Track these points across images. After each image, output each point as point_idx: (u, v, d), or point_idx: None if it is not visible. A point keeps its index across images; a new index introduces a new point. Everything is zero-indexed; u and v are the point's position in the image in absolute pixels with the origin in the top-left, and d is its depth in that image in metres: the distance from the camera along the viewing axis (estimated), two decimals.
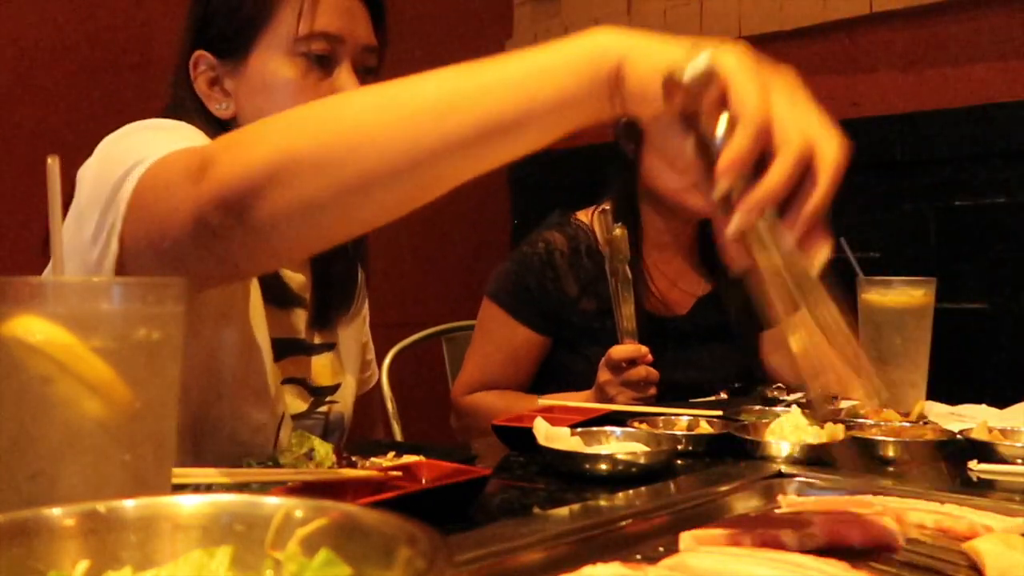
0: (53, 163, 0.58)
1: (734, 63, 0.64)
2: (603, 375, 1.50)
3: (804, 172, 0.64)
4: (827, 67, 2.52)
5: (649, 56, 0.67)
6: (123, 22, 2.26)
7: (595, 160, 2.97)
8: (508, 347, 1.76)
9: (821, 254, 0.65)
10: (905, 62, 2.39)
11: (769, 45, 2.61)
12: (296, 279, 1.19)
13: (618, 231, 1.48)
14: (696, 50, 0.65)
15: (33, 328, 0.52)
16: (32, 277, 0.53)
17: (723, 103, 0.64)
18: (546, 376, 1.78)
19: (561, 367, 1.76)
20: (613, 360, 1.48)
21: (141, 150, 0.87)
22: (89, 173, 0.95)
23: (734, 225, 0.63)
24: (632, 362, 1.48)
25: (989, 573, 0.64)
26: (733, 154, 0.63)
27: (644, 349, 1.48)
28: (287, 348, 1.16)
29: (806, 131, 0.65)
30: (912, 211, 2.34)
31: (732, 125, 0.63)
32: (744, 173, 0.63)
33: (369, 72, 1.13)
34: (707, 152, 0.63)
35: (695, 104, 0.64)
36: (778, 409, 1.26)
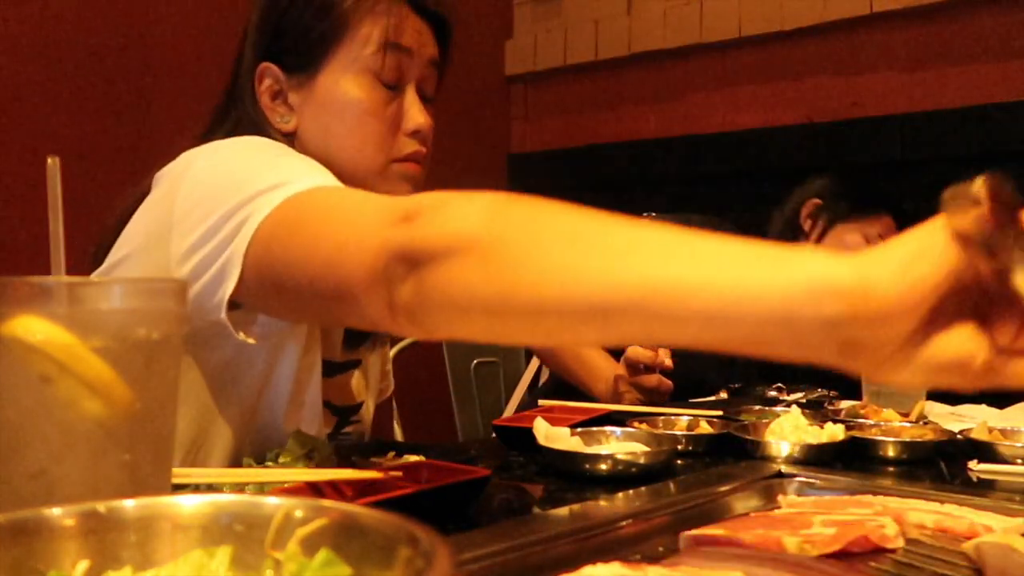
0: (53, 163, 0.58)
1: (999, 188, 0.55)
2: (619, 368, 1.51)
3: None
4: (827, 67, 2.52)
5: (880, 259, 0.54)
6: (123, 22, 2.26)
7: (595, 159, 2.97)
8: None
9: None
10: (905, 62, 2.39)
11: (769, 45, 2.61)
12: None
13: None
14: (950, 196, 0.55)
15: (33, 328, 0.52)
16: (32, 277, 0.53)
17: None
18: None
19: None
20: (630, 360, 1.49)
21: (279, 173, 0.85)
22: (189, 185, 0.92)
23: None
24: (650, 368, 1.49)
25: (989, 573, 0.64)
26: None
27: (667, 362, 1.49)
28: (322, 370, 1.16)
29: None
30: (912, 211, 2.34)
31: None
32: None
33: (427, 101, 1.14)
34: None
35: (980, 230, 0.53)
36: (778, 409, 1.26)
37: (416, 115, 1.09)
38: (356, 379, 1.22)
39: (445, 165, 2.77)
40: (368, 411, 1.25)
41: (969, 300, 0.54)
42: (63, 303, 0.53)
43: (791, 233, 1.92)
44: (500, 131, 3.18)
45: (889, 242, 0.55)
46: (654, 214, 1.49)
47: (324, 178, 0.87)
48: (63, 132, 2.13)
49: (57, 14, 2.16)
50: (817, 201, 1.89)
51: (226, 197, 0.85)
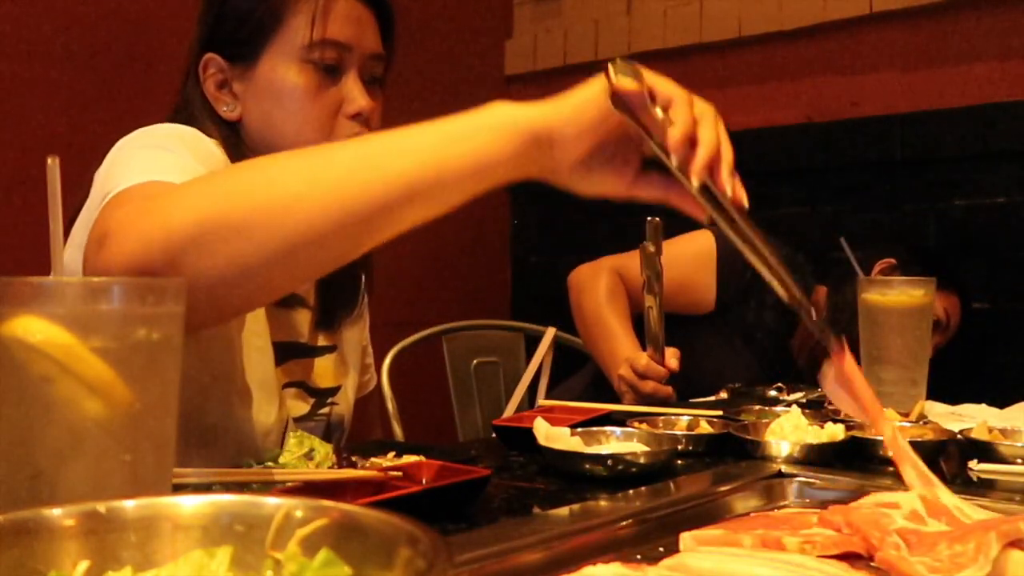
0: (53, 163, 0.59)
1: (639, 67, 0.79)
2: (623, 368, 1.52)
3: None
4: (827, 67, 2.52)
5: (559, 107, 0.79)
6: (124, 21, 2.26)
7: None
8: (679, 280, 1.76)
9: (743, 195, 0.82)
10: (905, 62, 2.39)
11: (769, 45, 2.61)
12: None
13: (652, 247, 1.48)
14: (601, 75, 0.78)
15: (33, 328, 0.52)
16: (32, 277, 0.53)
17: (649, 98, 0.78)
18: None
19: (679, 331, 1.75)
20: (632, 366, 1.50)
21: (123, 174, 0.89)
22: (99, 176, 0.96)
23: (697, 183, 0.79)
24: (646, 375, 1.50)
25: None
26: (683, 128, 0.78)
27: (662, 371, 1.49)
28: (289, 352, 1.16)
29: (703, 104, 0.82)
30: (912, 211, 2.34)
31: (666, 109, 0.79)
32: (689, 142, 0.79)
33: (375, 81, 1.15)
34: (652, 137, 0.79)
35: (632, 104, 0.77)
36: (778, 409, 1.26)
37: (357, 97, 1.10)
38: (333, 363, 1.24)
39: None
40: (346, 395, 1.26)
41: (619, 142, 0.82)
42: (63, 303, 0.53)
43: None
44: None
45: (568, 93, 0.79)
46: (657, 219, 1.49)
47: (145, 172, 0.88)
48: (63, 132, 2.13)
49: (57, 13, 2.16)
50: (892, 261, 1.92)
51: (97, 199, 0.90)
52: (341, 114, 1.10)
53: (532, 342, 2.11)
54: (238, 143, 1.10)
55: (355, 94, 1.10)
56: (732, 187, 0.81)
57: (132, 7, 2.27)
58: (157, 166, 0.90)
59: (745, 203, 0.81)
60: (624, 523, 0.76)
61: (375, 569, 0.40)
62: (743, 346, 1.87)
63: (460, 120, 0.78)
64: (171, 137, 1.01)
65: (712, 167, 0.80)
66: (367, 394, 1.39)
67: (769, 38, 2.59)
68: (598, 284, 1.82)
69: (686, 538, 0.70)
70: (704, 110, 0.81)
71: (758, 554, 0.65)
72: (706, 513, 0.82)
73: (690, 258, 1.79)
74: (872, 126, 2.39)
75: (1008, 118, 2.20)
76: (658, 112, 0.78)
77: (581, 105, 0.79)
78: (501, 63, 3.18)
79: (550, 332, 2.00)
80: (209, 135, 1.08)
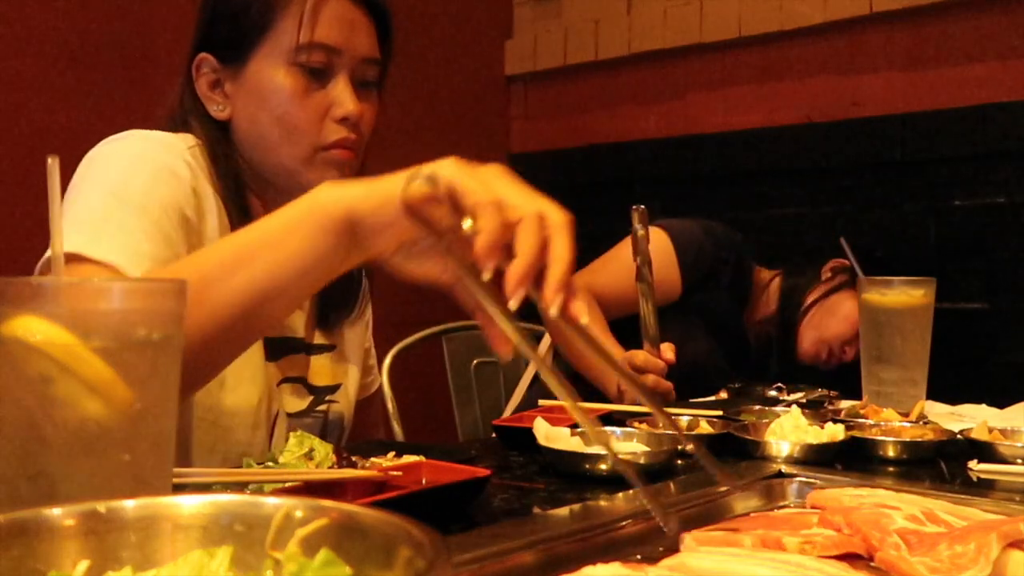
0: (53, 163, 0.58)
1: (451, 168, 0.72)
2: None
3: (544, 239, 0.70)
4: (827, 67, 2.52)
5: (369, 195, 0.77)
6: (123, 21, 2.25)
7: (595, 159, 2.97)
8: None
9: (583, 309, 0.71)
10: (905, 62, 2.39)
11: (769, 45, 2.61)
12: None
13: (641, 231, 1.48)
14: (415, 171, 0.74)
15: (33, 328, 0.52)
16: (32, 277, 0.53)
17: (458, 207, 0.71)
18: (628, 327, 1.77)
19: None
20: (630, 363, 1.50)
21: (84, 223, 0.95)
22: (75, 181, 1.02)
23: (514, 304, 0.68)
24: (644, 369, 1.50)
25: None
26: (486, 239, 0.68)
27: (661, 364, 1.49)
28: (284, 347, 1.17)
29: (531, 204, 0.71)
30: (912, 211, 2.34)
31: (474, 217, 0.69)
32: (500, 252, 0.68)
33: (369, 85, 1.15)
34: (451, 252, 0.72)
35: (435, 213, 0.72)
36: (778, 409, 1.26)
37: (345, 102, 1.10)
38: (330, 361, 1.24)
39: None
40: (347, 394, 1.26)
41: (426, 236, 0.77)
42: (63, 303, 0.53)
43: (810, 274, 2.00)
44: (500, 131, 3.18)
45: (382, 179, 0.77)
46: (642, 206, 1.49)
47: (109, 252, 0.94)
48: (63, 131, 2.13)
49: (57, 13, 2.15)
50: (844, 262, 1.94)
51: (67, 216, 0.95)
52: (329, 117, 1.10)
53: (532, 342, 2.10)
54: (227, 143, 1.12)
55: (344, 98, 1.10)
56: (560, 303, 0.70)
57: (132, 7, 2.27)
58: (115, 239, 0.95)
59: (583, 319, 0.71)
60: (624, 523, 0.76)
61: (375, 569, 0.40)
62: (705, 330, 1.90)
63: (289, 211, 0.81)
64: (144, 175, 1.03)
65: (528, 279, 0.69)
66: (370, 396, 1.39)
67: (769, 38, 2.59)
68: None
69: (686, 538, 0.70)
70: (531, 214, 0.70)
71: (758, 554, 0.65)
72: (706, 513, 0.82)
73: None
74: (872, 126, 2.39)
75: (1008, 118, 2.20)
76: (465, 223, 0.69)
77: (383, 199, 0.76)
78: (501, 63, 3.18)
79: None
80: (199, 135, 1.10)
